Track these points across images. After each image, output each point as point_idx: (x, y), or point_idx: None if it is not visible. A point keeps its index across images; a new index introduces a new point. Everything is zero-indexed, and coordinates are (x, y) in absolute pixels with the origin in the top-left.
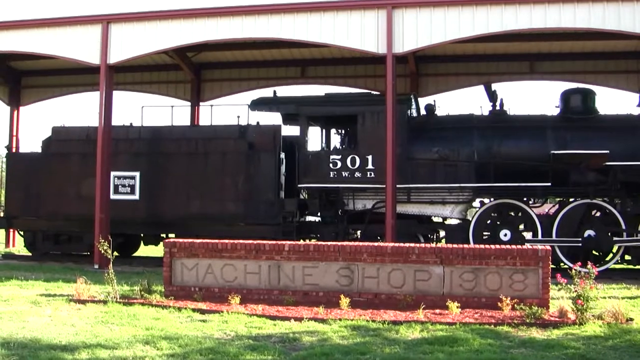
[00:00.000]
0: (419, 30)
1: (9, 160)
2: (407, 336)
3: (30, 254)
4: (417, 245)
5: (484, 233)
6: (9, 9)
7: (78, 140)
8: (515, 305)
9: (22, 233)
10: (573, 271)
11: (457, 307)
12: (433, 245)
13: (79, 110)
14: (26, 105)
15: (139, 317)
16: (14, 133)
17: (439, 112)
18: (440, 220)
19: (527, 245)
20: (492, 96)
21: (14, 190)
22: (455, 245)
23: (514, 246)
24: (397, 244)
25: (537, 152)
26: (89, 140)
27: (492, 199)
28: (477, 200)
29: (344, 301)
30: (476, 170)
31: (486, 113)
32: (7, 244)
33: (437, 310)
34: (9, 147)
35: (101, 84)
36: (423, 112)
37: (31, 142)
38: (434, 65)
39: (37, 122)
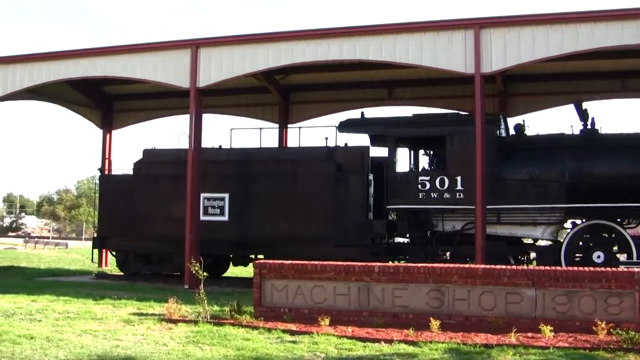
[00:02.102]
0: (507, 50)
1: (102, 182)
2: None
3: (122, 273)
4: (509, 267)
5: (576, 255)
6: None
7: (168, 162)
8: (611, 329)
9: (114, 253)
10: None
11: (550, 330)
12: (524, 267)
13: (169, 132)
14: (118, 128)
15: (229, 338)
16: (107, 156)
17: (529, 132)
18: (531, 241)
19: (622, 268)
20: (583, 115)
21: (106, 212)
22: (547, 268)
23: (608, 268)
24: (488, 266)
25: (630, 171)
26: (179, 162)
27: (584, 220)
28: (569, 221)
29: (434, 323)
30: (567, 191)
31: (577, 132)
32: (100, 263)
33: (529, 334)
34: (102, 170)
35: (191, 107)
36: (512, 132)
37: (123, 164)
38: (522, 85)
39: (128, 143)
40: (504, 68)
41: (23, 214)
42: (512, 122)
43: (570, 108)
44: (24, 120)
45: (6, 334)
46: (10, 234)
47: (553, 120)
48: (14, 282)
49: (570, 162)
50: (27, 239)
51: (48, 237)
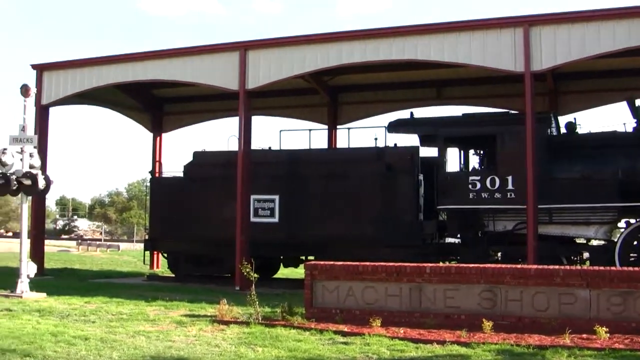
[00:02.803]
0: (557, 47)
1: (153, 184)
2: None
3: (173, 275)
4: (562, 267)
5: (631, 255)
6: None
7: (218, 164)
8: None
9: (165, 255)
10: None
11: (606, 332)
12: (578, 267)
13: (218, 134)
14: (168, 131)
15: (281, 339)
16: (157, 158)
17: (580, 130)
18: (584, 241)
19: None
20: (636, 112)
21: (157, 214)
22: (601, 268)
23: None
24: (541, 266)
25: None
26: (229, 164)
27: (638, 219)
28: (623, 220)
29: (487, 324)
30: (621, 189)
31: (630, 130)
32: (151, 265)
33: (584, 335)
34: (152, 172)
35: (240, 109)
36: (563, 130)
37: (173, 166)
38: (573, 82)
39: (178, 146)
40: (554, 65)
41: (75, 217)
42: (563, 120)
43: (623, 105)
44: (76, 124)
45: (61, 334)
46: (63, 236)
47: (605, 118)
48: (68, 284)
49: (624, 160)
50: (79, 241)
51: (100, 240)
